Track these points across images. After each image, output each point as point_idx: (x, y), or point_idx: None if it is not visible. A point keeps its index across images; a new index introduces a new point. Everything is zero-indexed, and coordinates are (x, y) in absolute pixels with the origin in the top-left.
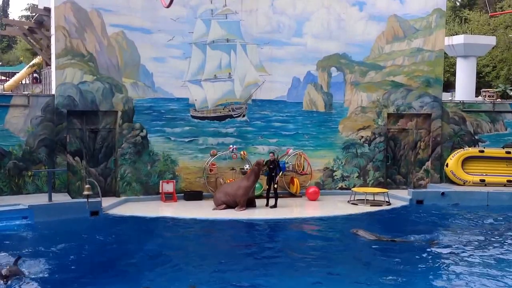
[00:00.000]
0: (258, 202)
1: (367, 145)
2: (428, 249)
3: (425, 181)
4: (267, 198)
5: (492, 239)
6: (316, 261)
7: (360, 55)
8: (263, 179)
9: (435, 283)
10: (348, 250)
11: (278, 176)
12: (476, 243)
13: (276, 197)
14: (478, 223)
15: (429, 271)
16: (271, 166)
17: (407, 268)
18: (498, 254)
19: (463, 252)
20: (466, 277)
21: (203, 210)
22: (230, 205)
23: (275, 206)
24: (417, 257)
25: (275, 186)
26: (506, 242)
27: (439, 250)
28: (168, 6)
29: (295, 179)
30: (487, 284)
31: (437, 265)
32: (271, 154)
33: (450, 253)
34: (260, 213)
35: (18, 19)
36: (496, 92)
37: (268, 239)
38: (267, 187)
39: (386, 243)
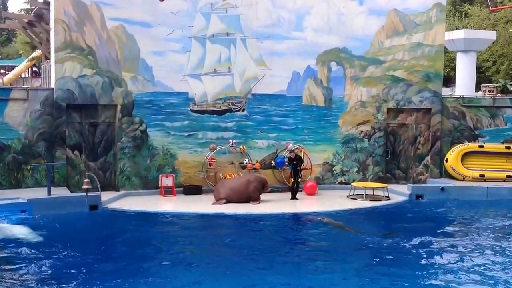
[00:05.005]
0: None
1: (366, 140)
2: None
3: (424, 176)
4: (292, 191)
5: (491, 234)
6: (313, 256)
7: (360, 49)
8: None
9: (429, 278)
10: (345, 245)
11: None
12: (475, 238)
13: (297, 190)
14: (477, 218)
15: (423, 266)
16: (295, 162)
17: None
18: (496, 249)
19: (461, 248)
20: (461, 273)
21: (203, 205)
22: (231, 201)
23: (296, 198)
24: (416, 252)
25: (299, 180)
26: (505, 237)
27: (437, 245)
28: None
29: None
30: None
31: (431, 259)
32: (291, 153)
33: (448, 247)
34: (259, 207)
35: (18, 13)
36: (496, 87)
37: (267, 234)
38: (292, 180)
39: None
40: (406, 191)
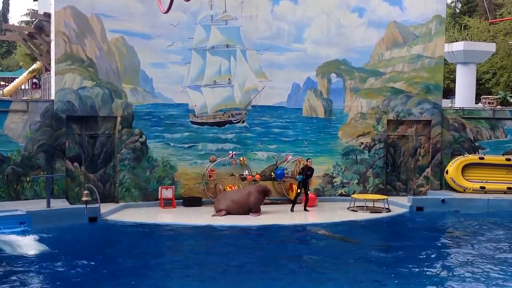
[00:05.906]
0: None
1: (367, 151)
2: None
3: (425, 188)
4: (293, 203)
5: (491, 246)
6: (315, 268)
7: (360, 61)
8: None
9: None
10: (345, 257)
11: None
12: (476, 250)
13: (307, 201)
14: (477, 230)
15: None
16: (308, 173)
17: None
18: (497, 261)
19: (461, 260)
20: (461, 285)
21: (202, 216)
22: (232, 212)
23: (306, 209)
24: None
25: (308, 191)
26: (505, 249)
27: (437, 257)
28: (167, 12)
29: (294, 186)
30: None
31: (431, 271)
32: (309, 161)
33: (448, 259)
34: (259, 219)
35: (18, 25)
36: (496, 99)
37: (268, 246)
38: (299, 191)
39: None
40: (406, 203)
